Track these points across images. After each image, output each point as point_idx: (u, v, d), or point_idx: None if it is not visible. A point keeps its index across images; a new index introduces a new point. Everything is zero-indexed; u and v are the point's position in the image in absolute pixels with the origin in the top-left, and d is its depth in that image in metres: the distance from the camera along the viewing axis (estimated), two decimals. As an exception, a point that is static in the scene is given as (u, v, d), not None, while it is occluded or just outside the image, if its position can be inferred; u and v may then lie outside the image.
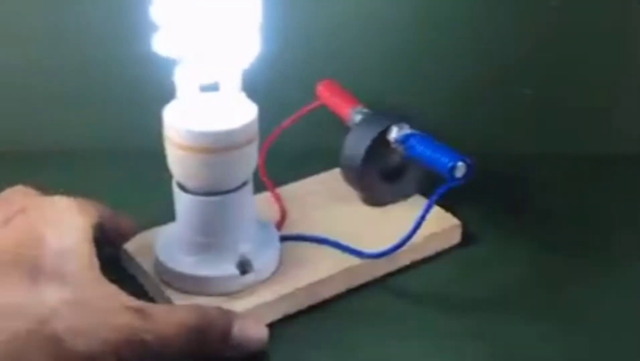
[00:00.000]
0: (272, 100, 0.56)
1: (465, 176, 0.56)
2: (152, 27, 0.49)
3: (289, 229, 0.59)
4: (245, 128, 0.52)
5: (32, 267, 0.44)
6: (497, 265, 0.59)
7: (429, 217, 0.56)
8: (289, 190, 0.64)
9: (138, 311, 0.46)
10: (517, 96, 0.71)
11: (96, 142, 0.69)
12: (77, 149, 0.63)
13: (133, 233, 0.57)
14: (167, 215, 0.55)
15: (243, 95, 0.53)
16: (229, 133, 0.51)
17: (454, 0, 0.69)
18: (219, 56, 0.51)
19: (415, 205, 0.61)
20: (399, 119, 0.60)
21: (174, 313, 0.47)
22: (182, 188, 0.53)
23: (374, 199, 0.62)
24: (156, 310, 0.46)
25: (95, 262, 0.47)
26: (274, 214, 0.61)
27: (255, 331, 0.50)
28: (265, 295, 0.53)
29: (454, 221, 0.61)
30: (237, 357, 0.49)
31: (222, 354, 0.48)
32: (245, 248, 0.54)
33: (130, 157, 0.67)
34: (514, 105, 0.72)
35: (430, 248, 0.60)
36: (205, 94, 0.52)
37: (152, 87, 0.53)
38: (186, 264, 0.53)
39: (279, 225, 0.60)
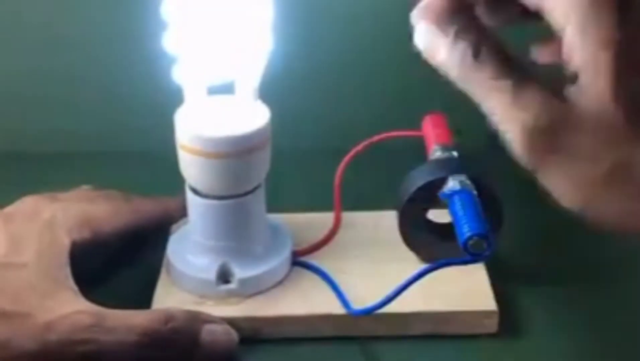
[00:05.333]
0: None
1: (480, 255, 0.47)
2: (155, 28, 0.48)
3: (324, 254, 0.56)
4: (258, 132, 0.51)
5: None
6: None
7: (470, 288, 0.52)
8: (355, 217, 0.59)
9: (93, 315, 0.46)
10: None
11: (99, 143, 0.70)
12: (80, 151, 0.62)
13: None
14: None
15: (258, 101, 0.52)
16: (242, 138, 0.50)
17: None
18: (229, 55, 0.49)
19: (468, 272, 0.52)
20: (459, 170, 0.52)
21: (134, 318, 0.47)
22: (195, 191, 0.52)
23: (417, 253, 0.55)
24: (115, 314, 0.47)
25: (55, 275, 0.48)
26: (320, 236, 0.57)
27: (224, 334, 0.49)
28: (234, 310, 0.51)
29: (491, 305, 0.52)
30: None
31: (193, 357, 0.48)
32: (257, 250, 0.53)
33: (132, 159, 0.67)
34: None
35: (453, 325, 0.52)
36: (216, 97, 0.51)
37: (155, 89, 0.53)
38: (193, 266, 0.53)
39: (317, 246, 0.57)
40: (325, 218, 0.59)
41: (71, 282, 0.49)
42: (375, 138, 0.59)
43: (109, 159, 0.68)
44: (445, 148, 0.56)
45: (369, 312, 0.49)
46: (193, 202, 0.52)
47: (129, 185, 0.57)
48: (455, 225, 0.49)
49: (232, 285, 0.52)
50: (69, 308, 0.46)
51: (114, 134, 0.69)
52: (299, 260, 0.55)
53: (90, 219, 0.52)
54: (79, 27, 0.68)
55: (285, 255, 0.54)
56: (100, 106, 0.70)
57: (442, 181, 0.52)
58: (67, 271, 0.49)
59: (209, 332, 0.49)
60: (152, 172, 0.61)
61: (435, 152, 0.56)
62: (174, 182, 0.53)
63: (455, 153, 0.55)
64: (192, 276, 0.52)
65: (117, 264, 0.56)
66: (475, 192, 0.51)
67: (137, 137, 0.61)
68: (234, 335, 0.50)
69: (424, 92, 0.57)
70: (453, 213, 0.50)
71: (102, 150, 0.62)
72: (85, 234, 0.52)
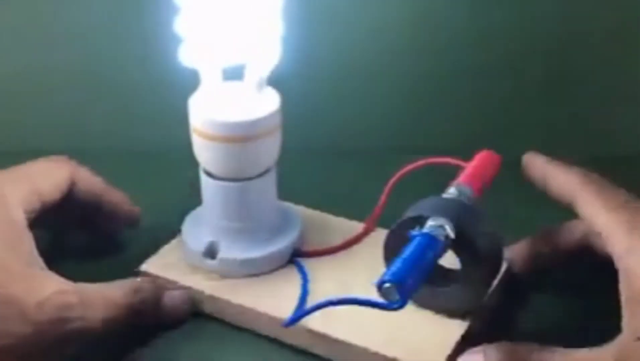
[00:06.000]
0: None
1: (389, 304, 0.44)
2: (158, 28, 0.50)
3: (330, 262, 0.56)
4: (269, 117, 0.52)
5: None
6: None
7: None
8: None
9: (75, 293, 0.48)
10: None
11: (100, 143, 0.69)
12: (80, 151, 0.58)
13: (127, 209, 0.58)
14: (172, 215, 0.58)
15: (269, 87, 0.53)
16: (253, 123, 0.52)
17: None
18: (241, 38, 0.51)
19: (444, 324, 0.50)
20: (445, 214, 0.49)
21: (109, 293, 0.50)
22: (208, 174, 0.55)
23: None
24: (91, 290, 0.49)
25: (19, 251, 0.48)
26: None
27: (182, 299, 0.54)
28: (204, 285, 0.54)
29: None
30: (166, 324, 0.53)
31: (156, 321, 0.53)
32: (262, 236, 0.55)
33: (132, 159, 0.67)
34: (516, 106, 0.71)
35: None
36: (228, 83, 0.53)
37: (155, 90, 0.56)
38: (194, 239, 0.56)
39: (321, 252, 0.57)
40: (351, 226, 0.58)
41: (37, 256, 0.49)
42: (421, 163, 0.56)
43: (110, 159, 0.66)
44: (462, 190, 0.52)
45: (289, 324, 0.50)
46: (206, 183, 0.55)
47: (130, 185, 0.59)
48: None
49: (213, 262, 0.55)
50: (48, 288, 0.47)
51: (115, 134, 0.71)
52: (296, 259, 0.56)
53: (35, 186, 0.52)
54: (82, 24, 0.69)
55: (281, 249, 0.55)
56: (101, 106, 0.71)
57: (425, 220, 0.49)
58: (32, 245, 0.49)
59: (169, 297, 0.53)
60: (152, 172, 0.63)
61: (449, 189, 0.52)
62: (174, 181, 0.55)
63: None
64: (188, 247, 0.56)
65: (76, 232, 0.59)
66: (444, 243, 0.48)
67: (137, 137, 0.64)
68: (189, 299, 0.53)
69: (427, 92, 0.54)
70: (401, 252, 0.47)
71: (103, 150, 0.63)
72: (35, 204, 0.52)
